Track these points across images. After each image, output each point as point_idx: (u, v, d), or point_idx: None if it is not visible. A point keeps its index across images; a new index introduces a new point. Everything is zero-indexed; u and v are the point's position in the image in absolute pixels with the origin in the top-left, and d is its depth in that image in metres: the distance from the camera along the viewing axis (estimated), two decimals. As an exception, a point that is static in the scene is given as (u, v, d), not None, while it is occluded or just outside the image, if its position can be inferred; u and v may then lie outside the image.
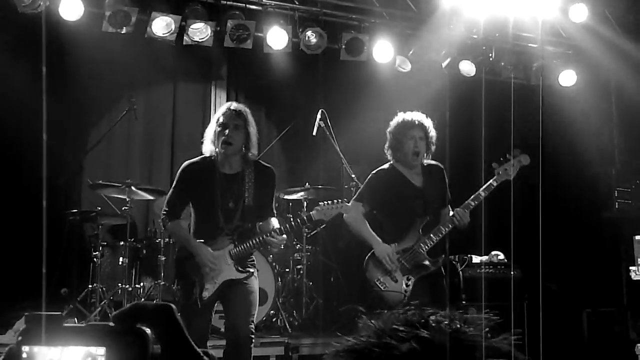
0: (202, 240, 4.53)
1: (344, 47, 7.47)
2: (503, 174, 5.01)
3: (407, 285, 4.84)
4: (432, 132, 5.09)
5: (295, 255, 7.45)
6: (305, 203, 7.46)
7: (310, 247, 7.42)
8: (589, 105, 8.33)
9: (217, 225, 4.53)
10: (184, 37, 7.04)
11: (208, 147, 4.60)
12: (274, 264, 6.79)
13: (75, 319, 6.25)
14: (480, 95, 7.81)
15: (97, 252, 6.87)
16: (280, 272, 7.05)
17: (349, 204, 4.93)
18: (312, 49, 7.29)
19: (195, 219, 4.63)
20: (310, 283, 7.36)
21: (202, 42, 7.13)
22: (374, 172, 5.17)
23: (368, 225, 5.05)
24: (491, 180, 4.98)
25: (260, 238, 4.52)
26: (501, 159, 5.04)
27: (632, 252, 6.48)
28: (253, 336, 4.53)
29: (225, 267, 4.49)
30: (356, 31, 7.54)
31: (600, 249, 7.93)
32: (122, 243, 6.84)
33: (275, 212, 4.81)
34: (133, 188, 6.64)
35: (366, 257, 5.00)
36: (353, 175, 7.48)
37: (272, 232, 4.51)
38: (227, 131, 4.50)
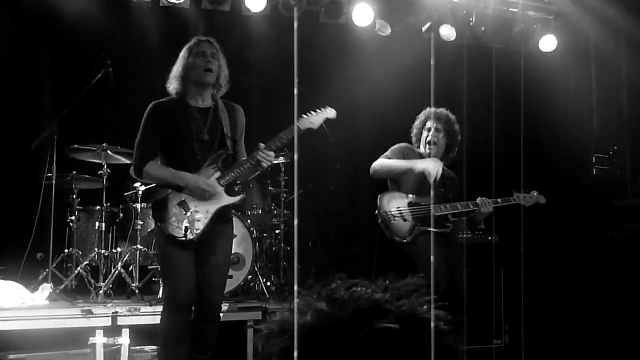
0: None
1: (323, 9, 7.38)
2: (520, 199, 5.31)
3: (412, 230, 5.12)
4: (453, 129, 5.31)
5: (273, 220, 7.42)
6: (283, 168, 7.41)
7: (288, 212, 7.39)
8: (569, 71, 8.32)
9: (195, 158, 4.33)
10: (160, -1, 6.93)
11: (175, 86, 4.40)
12: (251, 228, 6.75)
13: (51, 283, 6.19)
14: (460, 60, 7.77)
15: (72, 217, 6.81)
16: (258, 237, 7.02)
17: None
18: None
19: (168, 159, 4.38)
20: (289, 248, 7.35)
21: (178, 3, 7.01)
22: (397, 144, 5.39)
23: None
24: (510, 197, 5.29)
25: (251, 161, 4.33)
26: (523, 190, 5.33)
27: (608, 218, 6.55)
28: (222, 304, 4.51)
29: (217, 194, 4.33)
30: (336, -7, 7.43)
31: (576, 214, 7.98)
32: (98, 208, 6.77)
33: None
34: (109, 152, 6.55)
35: (381, 193, 5.28)
36: (333, 139, 7.43)
37: (261, 151, 4.30)
38: (208, 58, 4.37)
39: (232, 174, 4.35)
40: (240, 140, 4.52)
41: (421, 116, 5.36)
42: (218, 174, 4.34)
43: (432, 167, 5.05)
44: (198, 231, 4.26)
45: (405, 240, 5.11)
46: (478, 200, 5.14)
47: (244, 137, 4.56)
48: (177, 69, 4.43)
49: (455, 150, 5.34)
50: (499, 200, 5.23)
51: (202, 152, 4.34)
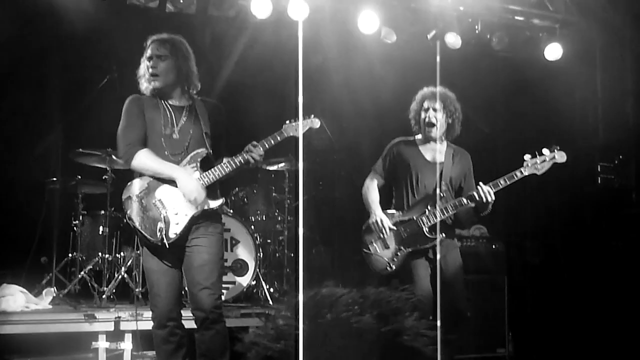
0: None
1: (328, 16, 7.37)
2: (532, 167, 4.77)
3: (395, 255, 4.84)
4: (453, 107, 5.01)
5: (277, 226, 7.41)
6: (287, 174, 7.41)
7: (291, 219, 7.38)
8: (574, 79, 8.30)
9: (164, 157, 4.13)
10: (167, 4, 6.92)
11: (145, 85, 4.26)
12: (255, 234, 6.74)
13: (55, 287, 6.20)
14: (466, 67, 7.77)
15: (77, 221, 6.81)
16: (261, 244, 7.01)
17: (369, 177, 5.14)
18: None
19: None
20: (292, 254, 7.34)
21: (185, 9, 7.01)
22: (392, 142, 5.20)
23: (377, 195, 5.06)
24: (516, 171, 4.76)
25: (237, 160, 4.16)
26: (536, 152, 4.82)
27: (614, 227, 6.52)
28: (221, 304, 4.19)
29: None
30: (341, 0, 7.42)
31: (581, 223, 7.95)
32: (102, 212, 6.77)
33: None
34: (113, 156, 6.56)
35: (364, 225, 5.03)
36: (337, 147, 7.44)
37: (249, 147, 4.16)
38: (151, 63, 4.18)
39: (213, 174, 4.17)
40: (222, 139, 4.32)
41: (418, 97, 5.09)
42: (197, 174, 4.15)
43: (373, 217, 4.90)
44: (175, 235, 4.06)
45: (391, 270, 4.83)
46: (476, 194, 4.70)
47: (226, 135, 4.36)
48: (142, 70, 4.30)
49: (458, 129, 5.01)
50: (501, 182, 4.72)
51: (171, 150, 4.16)
